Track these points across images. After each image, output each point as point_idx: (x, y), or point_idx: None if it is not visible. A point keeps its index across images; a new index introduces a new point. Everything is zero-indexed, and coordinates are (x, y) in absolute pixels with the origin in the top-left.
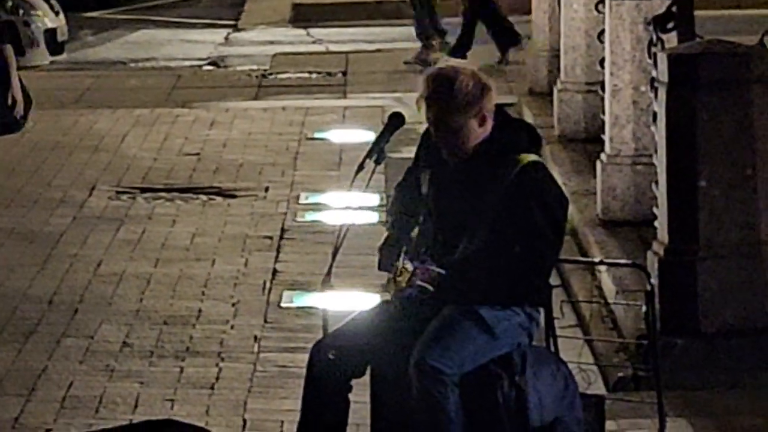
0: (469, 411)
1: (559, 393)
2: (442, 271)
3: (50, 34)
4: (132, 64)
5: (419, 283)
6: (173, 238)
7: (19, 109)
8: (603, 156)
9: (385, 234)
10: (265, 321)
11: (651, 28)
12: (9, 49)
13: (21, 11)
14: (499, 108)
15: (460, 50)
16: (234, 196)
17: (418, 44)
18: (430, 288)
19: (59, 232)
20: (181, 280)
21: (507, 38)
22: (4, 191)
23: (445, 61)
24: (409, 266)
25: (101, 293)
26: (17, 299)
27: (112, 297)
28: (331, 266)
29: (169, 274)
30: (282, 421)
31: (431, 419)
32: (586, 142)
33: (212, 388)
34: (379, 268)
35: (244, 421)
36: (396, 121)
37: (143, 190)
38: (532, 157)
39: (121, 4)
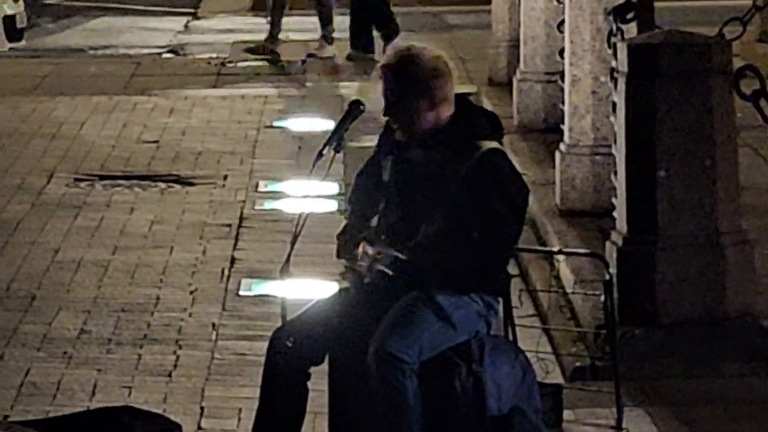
0: (428, 399)
1: (517, 382)
2: (402, 256)
3: (9, 20)
4: (91, 52)
5: (379, 267)
6: (131, 226)
7: None
8: (562, 146)
9: (344, 222)
10: (223, 309)
11: (611, 18)
12: None
13: None
14: (461, 96)
15: (389, 35)
16: (192, 184)
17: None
18: (390, 272)
19: (17, 219)
20: (139, 267)
21: (390, 24)
22: None
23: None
24: (370, 251)
25: (59, 280)
26: None
27: (69, 284)
28: (289, 254)
29: (127, 261)
30: (240, 409)
31: (390, 407)
32: (546, 132)
33: (170, 375)
34: (338, 257)
35: (202, 408)
36: (356, 109)
37: (101, 178)
38: (493, 144)
39: None
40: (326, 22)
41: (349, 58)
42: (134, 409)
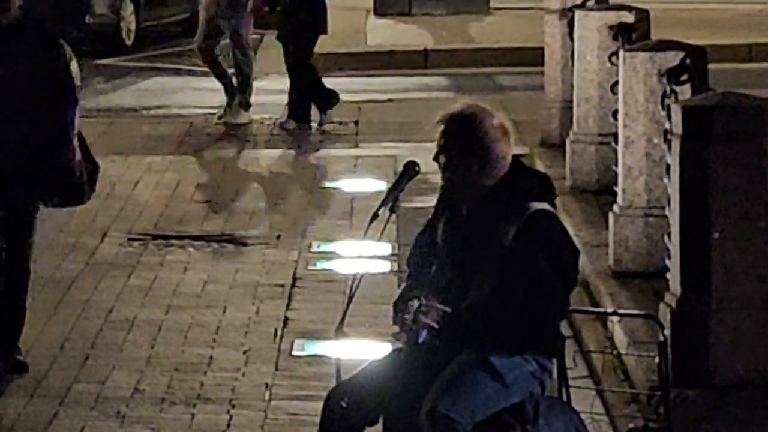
0: None
1: None
2: (447, 309)
3: None
4: (144, 112)
5: (424, 320)
6: (184, 285)
7: (81, 174)
8: (615, 207)
9: (401, 289)
10: (276, 369)
11: (665, 80)
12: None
13: None
14: (513, 157)
15: (325, 104)
16: (245, 244)
17: (428, 93)
18: (435, 325)
19: (71, 278)
20: (192, 327)
21: (326, 96)
22: None
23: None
24: (414, 304)
25: (112, 339)
26: (28, 344)
27: (123, 343)
28: (344, 314)
29: (180, 321)
30: None
31: None
32: (599, 193)
33: None
34: (394, 323)
35: None
36: (411, 169)
37: (155, 237)
38: (542, 204)
39: (134, 52)
40: (244, 87)
41: (282, 127)
42: None
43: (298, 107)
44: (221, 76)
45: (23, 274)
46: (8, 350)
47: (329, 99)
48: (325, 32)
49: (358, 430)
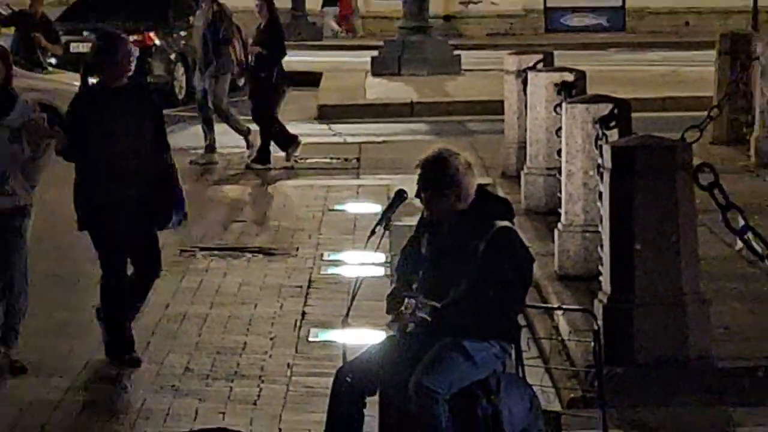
0: (456, 423)
1: (526, 409)
2: (437, 305)
3: None
4: (192, 150)
5: (421, 315)
6: (224, 287)
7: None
8: (560, 225)
9: (392, 286)
10: (296, 352)
11: (598, 126)
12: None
13: None
14: (480, 186)
15: (284, 145)
16: (272, 254)
17: (414, 137)
18: (429, 318)
19: None
20: (230, 319)
21: (285, 140)
22: (90, 248)
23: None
24: (412, 302)
25: (168, 329)
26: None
27: (176, 332)
28: (349, 309)
29: (221, 314)
30: (310, 430)
31: (426, 429)
32: (547, 214)
33: (255, 404)
34: (387, 312)
35: (280, 429)
36: (400, 196)
37: (201, 249)
38: (505, 222)
39: (185, 104)
40: (210, 129)
41: (247, 167)
42: (228, 430)
43: (261, 152)
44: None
45: (152, 280)
46: (129, 348)
47: (291, 141)
48: (284, 91)
49: (361, 400)
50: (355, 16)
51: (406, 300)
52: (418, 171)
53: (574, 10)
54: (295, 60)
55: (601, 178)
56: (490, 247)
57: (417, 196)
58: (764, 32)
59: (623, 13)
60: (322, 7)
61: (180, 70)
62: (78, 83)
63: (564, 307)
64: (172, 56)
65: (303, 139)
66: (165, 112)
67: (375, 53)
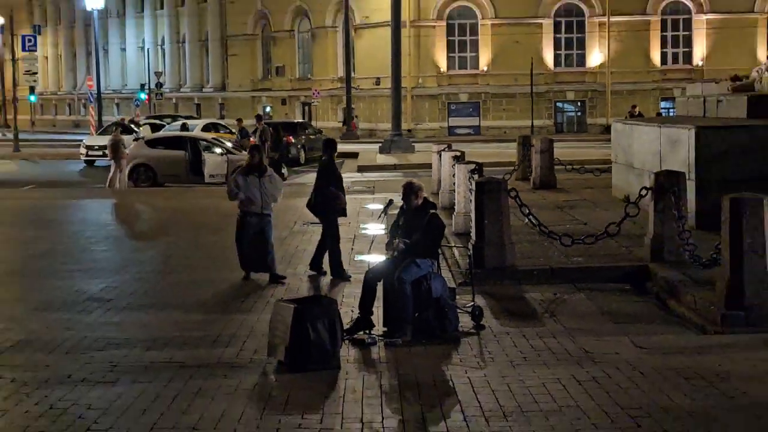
0: (413, 293)
1: (442, 285)
2: (407, 241)
3: None
4: (308, 188)
5: (400, 246)
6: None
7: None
8: (455, 212)
9: (388, 238)
10: (349, 264)
11: (469, 173)
12: None
13: None
14: (425, 196)
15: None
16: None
17: (398, 177)
18: (404, 247)
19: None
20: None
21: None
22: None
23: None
24: (397, 242)
25: None
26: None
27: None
28: (370, 246)
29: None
30: (355, 297)
31: (401, 298)
32: (450, 209)
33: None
34: (386, 248)
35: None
36: (391, 201)
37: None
38: (434, 211)
39: (304, 165)
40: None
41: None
42: (323, 297)
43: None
44: None
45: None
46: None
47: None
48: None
49: (375, 284)
50: (357, 128)
51: (395, 241)
52: (402, 189)
53: (459, 126)
54: (347, 147)
55: (471, 193)
56: (427, 222)
57: (402, 199)
58: (535, 137)
59: (479, 127)
60: (343, 124)
61: (302, 152)
62: None
63: (456, 245)
64: (299, 145)
65: (353, 179)
66: (294, 168)
67: (380, 144)
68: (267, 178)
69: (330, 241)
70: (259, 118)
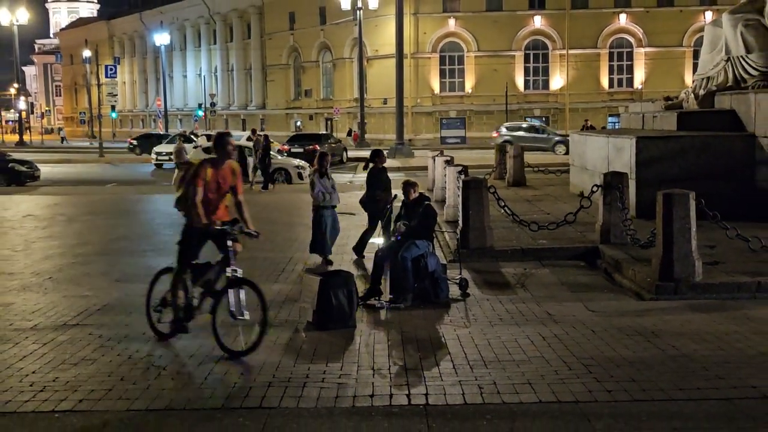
0: (413, 269)
1: (437, 263)
2: (408, 223)
3: None
4: None
5: (402, 229)
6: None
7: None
8: (446, 204)
9: (393, 223)
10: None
11: (458, 174)
12: None
13: None
14: (421, 191)
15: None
16: (353, 214)
17: (400, 177)
18: (404, 228)
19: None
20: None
21: (270, 177)
22: None
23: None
24: (400, 225)
25: None
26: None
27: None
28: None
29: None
30: (366, 270)
31: (403, 272)
32: (442, 202)
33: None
34: (392, 232)
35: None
36: (395, 196)
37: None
38: (429, 202)
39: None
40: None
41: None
42: (342, 272)
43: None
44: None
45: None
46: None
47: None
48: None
49: (384, 262)
50: (358, 139)
51: (397, 224)
52: (402, 186)
53: (449, 137)
54: (360, 153)
55: (459, 190)
56: (423, 211)
57: (402, 194)
58: (509, 145)
59: (465, 138)
60: (347, 135)
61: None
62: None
63: (447, 231)
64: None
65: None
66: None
67: (387, 150)
68: (332, 179)
69: (368, 229)
70: (253, 132)
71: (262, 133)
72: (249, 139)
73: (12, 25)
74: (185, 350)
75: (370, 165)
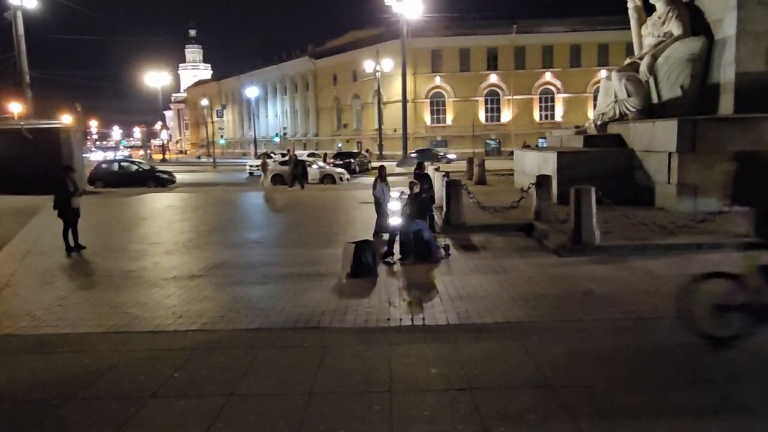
0: (415, 239)
1: (429, 234)
2: (410, 208)
3: None
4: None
5: (408, 212)
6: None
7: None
8: (436, 197)
9: (401, 209)
10: (374, 235)
11: (443, 176)
12: None
13: None
14: (420, 186)
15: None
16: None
17: (409, 178)
18: (408, 212)
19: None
20: (354, 221)
21: (301, 178)
22: None
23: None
24: (405, 207)
25: None
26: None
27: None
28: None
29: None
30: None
31: (408, 240)
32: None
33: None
34: (401, 214)
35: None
36: (402, 192)
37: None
38: (425, 195)
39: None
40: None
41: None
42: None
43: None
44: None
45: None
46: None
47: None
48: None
49: (395, 234)
50: (370, 155)
51: (404, 208)
52: (408, 184)
53: (446, 153)
54: (377, 163)
55: (444, 187)
56: (420, 200)
57: (409, 189)
58: (475, 158)
59: (445, 147)
60: (365, 152)
61: (357, 167)
62: None
63: (436, 213)
64: (356, 164)
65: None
66: (354, 175)
67: (396, 162)
68: (389, 185)
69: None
70: (289, 151)
71: (295, 152)
72: (283, 155)
73: (158, 87)
74: (279, 294)
75: (416, 171)
